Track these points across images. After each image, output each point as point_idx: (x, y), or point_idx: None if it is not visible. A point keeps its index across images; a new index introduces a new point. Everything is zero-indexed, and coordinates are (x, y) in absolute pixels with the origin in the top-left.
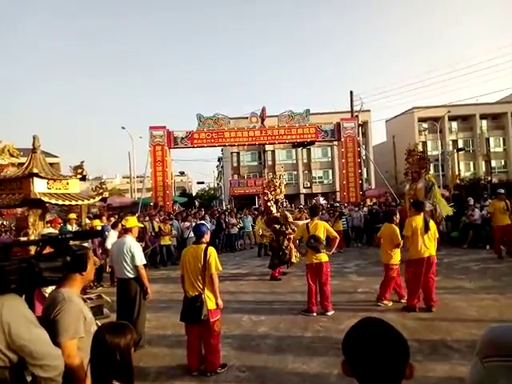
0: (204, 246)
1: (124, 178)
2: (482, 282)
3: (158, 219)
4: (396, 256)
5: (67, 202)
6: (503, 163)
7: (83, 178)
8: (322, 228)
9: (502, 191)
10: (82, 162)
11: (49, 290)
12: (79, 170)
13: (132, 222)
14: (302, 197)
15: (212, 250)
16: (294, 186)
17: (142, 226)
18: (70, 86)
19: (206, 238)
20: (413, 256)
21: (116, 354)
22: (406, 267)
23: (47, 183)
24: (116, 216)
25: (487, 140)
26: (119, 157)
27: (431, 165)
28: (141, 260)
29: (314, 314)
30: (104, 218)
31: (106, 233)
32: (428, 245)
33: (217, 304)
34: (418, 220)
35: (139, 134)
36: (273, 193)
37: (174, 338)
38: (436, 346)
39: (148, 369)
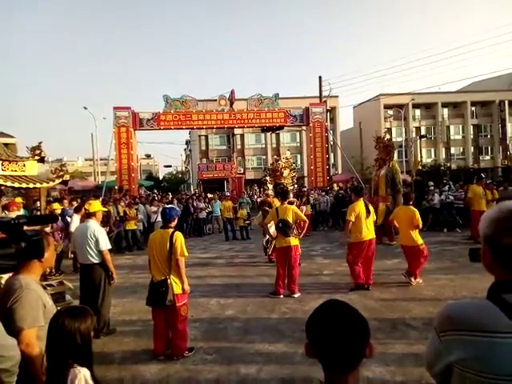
0: (171, 230)
1: (87, 160)
2: (440, 263)
3: (123, 203)
4: (417, 236)
5: (24, 185)
6: (462, 150)
7: (42, 160)
8: (290, 212)
9: (483, 176)
10: (41, 143)
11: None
12: (37, 151)
13: (95, 206)
14: None
15: (178, 235)
16: (263, 171)
17: (106, 210)
18: (27, 61)
19: (175, 222)
20: (356, 239)
21: (76, 338)
22: (349, 250)
23: (1, 165)
24: (78, 200)
25: (448, 128)
26: (81, 138)
27: (395, 151)
28: (105, 244)
29: (281, 296)
30: (66, 201)
31: (67, 217)
32: (370, 228)
33: (183, 289)
34: (360, 205)
35: (103, 114)
36: (271, 176)
37: (140, 323)
38: (395, 324)
39: (113, 354)
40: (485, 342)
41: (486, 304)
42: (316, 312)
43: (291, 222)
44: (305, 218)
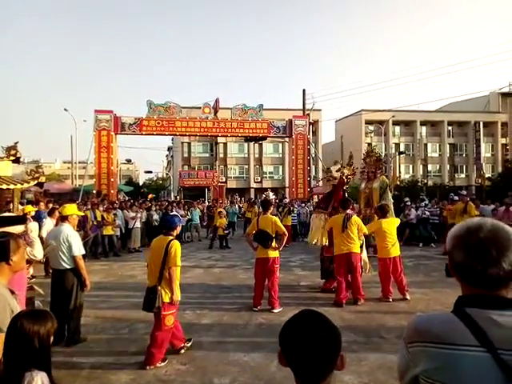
0: (170, 238)
1: (65, 162)
2: (414, 277)
3: (101, 208)
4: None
5: None
6: (438, 168)
7: (17, 161)
8: (270, 223)
9: (465, 193)
10: (16, 143)
11: None
12: (12, 152)
13: (70, 209)
14: (252, 191)
15: (175, 244)
16: (244, 180)
17: (82, 214)
18: (5, 58)
19: (177, 231)
20: (335, 252)
21: (34, 341)
22: (334, 263)
23: None
24: (54, 203)
25: (425, 145)
26: (60, 140)
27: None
28: (79, 250)
29: (256, 309)
30: (42, 204)
31: (44, 220)
32: (347, 242)
33: (172, 299)
34: (338, 218)
35: (83, 117)
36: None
37: (113, 331)
38: (370, 336)
39: (83, 363)
40: (447, 354)
41: (450, 317)
42: (290, 321)
43: (270, 233)
44: (284, 229)
